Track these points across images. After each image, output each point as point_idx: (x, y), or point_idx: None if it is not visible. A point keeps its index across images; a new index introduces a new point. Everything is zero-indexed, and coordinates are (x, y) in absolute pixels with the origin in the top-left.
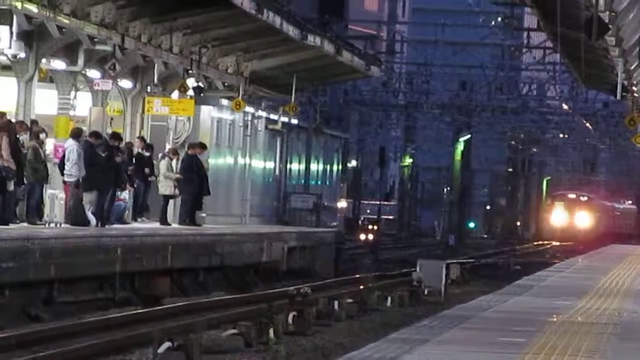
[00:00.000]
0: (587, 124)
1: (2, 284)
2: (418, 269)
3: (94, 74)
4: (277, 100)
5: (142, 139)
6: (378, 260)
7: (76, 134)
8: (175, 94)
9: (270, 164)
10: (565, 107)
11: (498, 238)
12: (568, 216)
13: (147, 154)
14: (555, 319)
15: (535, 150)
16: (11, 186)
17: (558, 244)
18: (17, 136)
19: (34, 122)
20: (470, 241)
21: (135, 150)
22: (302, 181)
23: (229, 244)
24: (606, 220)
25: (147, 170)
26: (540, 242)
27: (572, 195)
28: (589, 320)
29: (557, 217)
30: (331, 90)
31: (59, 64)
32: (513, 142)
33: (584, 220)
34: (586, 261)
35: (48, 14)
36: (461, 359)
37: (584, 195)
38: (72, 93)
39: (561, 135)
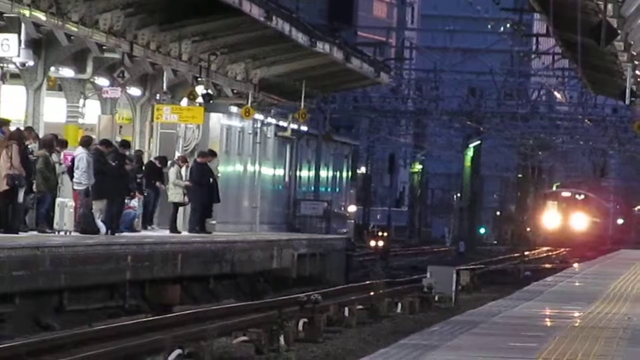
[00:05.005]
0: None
1: (13, 292)
2: (428, 275)
3: (102, 82)
4: (286, 107)
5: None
6: (388, 267)
7: (86, 142)
8: (184, 102)
9: (280, 171)
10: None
11: (508, 244)
12: (562, 218)
13: (158, 164)
14: (565, 324)
15: (542, 154)
16: (21, 195)
17: (566, 250)
18: (26, 144)
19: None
20: (480, 247)
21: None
22: (312, 188)
23: (239, 252)
24: (606, 223)
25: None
26: (550, 248)
27: (566, 194)
28: (598, 325)
29: (549, 219)
30: (341, 97)
31: (67, 72)
32: (522, 148)
33: (580, 222)
34: (596, 266)
35: (56, 21)
36: None
37: (581, 194)
38: (81, 101)
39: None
